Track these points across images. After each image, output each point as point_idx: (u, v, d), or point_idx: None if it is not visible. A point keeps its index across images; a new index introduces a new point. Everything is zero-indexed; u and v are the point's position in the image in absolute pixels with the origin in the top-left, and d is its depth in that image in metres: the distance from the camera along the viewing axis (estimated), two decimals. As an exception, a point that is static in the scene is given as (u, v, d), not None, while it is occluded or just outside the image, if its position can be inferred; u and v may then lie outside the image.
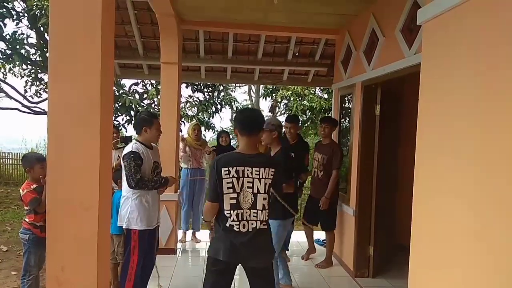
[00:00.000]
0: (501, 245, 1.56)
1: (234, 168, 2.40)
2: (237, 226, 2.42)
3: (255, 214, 2.43)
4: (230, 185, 2.40)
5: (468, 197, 1.79)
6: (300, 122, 11.71)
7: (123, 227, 3.35)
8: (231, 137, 6.45)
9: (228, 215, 2.42)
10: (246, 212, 2.42)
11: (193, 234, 5.82)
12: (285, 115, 12.28)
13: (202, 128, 10.90)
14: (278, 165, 2.56)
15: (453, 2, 1.94)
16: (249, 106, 16.70)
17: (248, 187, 2.41)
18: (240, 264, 2.56)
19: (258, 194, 2.41)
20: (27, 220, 3.32)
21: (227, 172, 2.39)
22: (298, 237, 6.09)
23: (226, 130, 7.05)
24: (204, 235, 5.90)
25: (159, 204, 3.57)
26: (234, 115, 2.99)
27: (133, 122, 8.86)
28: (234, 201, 2.41)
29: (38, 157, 3.46)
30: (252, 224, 2.43)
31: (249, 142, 2.49)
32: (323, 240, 5.77)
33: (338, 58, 5.33)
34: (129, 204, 3.28)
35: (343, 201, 4.83)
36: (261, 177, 2.41)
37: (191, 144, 5.58)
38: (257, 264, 2.52)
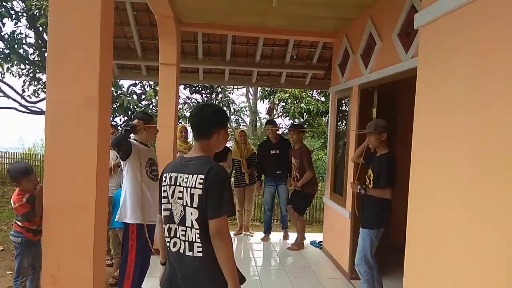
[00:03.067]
0: (496, 246, 1.58)
1: (169, 174, 2.00)
2: (168, 243, 1.99)
3: (183, 232, 1.92)
4: (165, 193, 2.00)
5: (463, 200, 1.81)
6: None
7: (119, 221, 3.41)
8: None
9: (163, 229, 2.04)
10: (177, 228, 1.96)
11: None
12: (283, 118, 12.32)
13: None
14: (213, 172, 1.89)
15: (450, 7, 1.96)
16: (247, 108, 16.72)
17: (178, 198, 1.95)
18: None
19: (186, 207, 1.91)
20: (19, 224, 3.28)
21: (164, 179, 2.03)
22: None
23: None
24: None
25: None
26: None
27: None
28: (167, 213, 2.00)
29: (22, 171, 3.29)
30: (182, 244, 1.93)
31: (198, 146, 2.05)
32: (319, 242, 5.80)
33: (335, 61, 5.36)
34: (124, 198, 3.35)
35: (339, 204, 4.86)
36: (188, 185, 1.91)
37: (178, 148, 5.62)
38: None
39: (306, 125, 11.06)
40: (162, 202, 2.03)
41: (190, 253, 1.90)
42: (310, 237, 6.08)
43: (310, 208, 8.88)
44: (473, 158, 1.75)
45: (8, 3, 9.67)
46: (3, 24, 9.70)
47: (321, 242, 5.74)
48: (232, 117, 16.88)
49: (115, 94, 9.27)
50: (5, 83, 11.62)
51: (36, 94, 11.69)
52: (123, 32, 5.70)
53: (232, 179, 6.01)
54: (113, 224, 4.04)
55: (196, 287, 1.93)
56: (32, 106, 12.01)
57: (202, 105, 2.16)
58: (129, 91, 10.25)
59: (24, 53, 10.32)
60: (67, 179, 1.95)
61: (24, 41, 10.22)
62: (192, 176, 1.91)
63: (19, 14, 9.94)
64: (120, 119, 9.74)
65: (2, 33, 9.84)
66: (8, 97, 11.76)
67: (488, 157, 1.65)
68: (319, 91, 10.93)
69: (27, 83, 11.32)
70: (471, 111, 1.78)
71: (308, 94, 11.19)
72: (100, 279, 2.09)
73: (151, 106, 10.17)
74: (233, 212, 1.94)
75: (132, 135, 3.42)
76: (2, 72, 11.29)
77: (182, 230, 1.93)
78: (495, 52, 1.66)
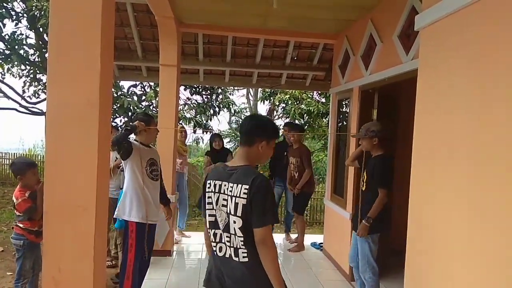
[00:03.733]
0: (496, 246, 1.58)
1: (213, 182, 2.08)
2: (214, 247, 2.08)
3: (228, 239, 2.00)
4: (210, 200, 2.09)
5: (463, 200, 1.81)
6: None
7: (119, 218, 3.44)
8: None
9: (209, 234, 2.13)
10: (222, 234, 2.04)
11: (179, 231, 6.02)
12: (283, 119, 12.33)
13: (199, 131, 10.97)
14: (258, 181, 1.94)
15: (451, 8, 1.97)
16: (247, 109, 16.74)
17: (223, 205, 2.02)
18: None
19: (230, 215, 1.97)
20: (21, 226, 3.26)
21: (209, 185, 2.11)
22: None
23: (219, 133, 7.80)
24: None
25: (158, 202, 3.62)
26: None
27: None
28: (212, 219, 2.08)
29: (28, 163, 3.36)
30: (227, 249, 2.02)
31: (241, 153, 2.12)
32: (319, 244, 5.79)
33: (336, 63, 5.36)
34: (127, 197, 3.36)
35: (340, 205, 4.85)
36: (233, 194, 1.97)
37: (177, 149, 5.65)
38: None
39: (306, 126, 11.08)
40: (207, 208, 2.11)
41: (236, 259, 1.99)
42: (311, 238, 6.08)
43: (310, 210, 8.89)
44: (473, 158, 1.75)
45: (9, 4, 9.68)
46: (4, 25, 9.71)
47: (321, 243, 5.74)
48: (233, 118, 16.93)
49: (116, 95, 9.27)
50: (5, 84, 11.63)
51: (36, 95, 11.71)
52: (124, 33, 5.71)
53: None
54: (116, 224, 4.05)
55: (239, 281, 1.99)
56: (32, 107, 12.02)
57: (254, 114, 2.33)
58: (130, 92, 10.26)
59: (25, 54, 10.34)
60: (67, 180, 1.95)
61: (24, 42, 10.23)
62: (237, 186, 1.97)
63: (20, 15, 9.95)
64: (121, 120, 9.75)
65: (3, 34, 9.85)
66: (9, 98, 11.77)
67: (488, 157, 1.65)
68: (319, 92, 10.95)
69: (28, 84, 11.34)
70: (471, 111, 1.79)
71: (309, 95, 11.20)
72: (100, 280, 2.09)
73: (151, 107, 10.17)
74: (277, 221, 1.98)
75: (133, 136, 3.42)
76: (3, 73, 11.31)
77: (227, 236, 2.01)
78: (495, 53, 1.66)
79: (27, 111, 12.04)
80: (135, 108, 9.43)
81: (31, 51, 10.57)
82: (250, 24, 5.15)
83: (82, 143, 1.96)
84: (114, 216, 3.51)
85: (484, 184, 1.67)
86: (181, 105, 10.85)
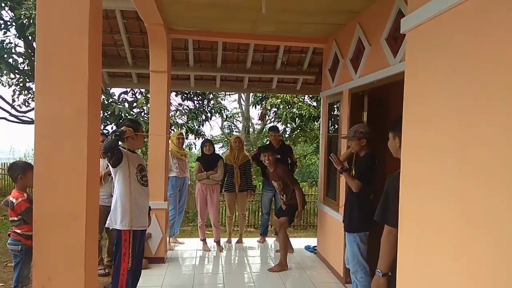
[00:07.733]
0: (487, 246, 1.59)
1: None
2: None
3: None
4: None
5: (454, 200, 1.83)
6: (290, 130, 11.87)
7: (111, 228, 3.40)
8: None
9: None
10: None
11: (174, 237, 6.00)
12: (275, 123, 12.36)
13: (192, 136, 10.95)
14: None
15: (435, 11, 1.99)
16: (239, 114, 16.76)
17: None
18: None
19: None
20: (18, 231, 3.25)
21: None
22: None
23: (209, 138, 7.95)
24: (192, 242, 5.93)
25: (148, 208, 3.62)
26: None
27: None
28: None
29: (30, 163, 3.40)
30: None
31: None
32: (313, 247, 5.80)
33: (325, 67, 5.40)
34: (118, 205, 3.34)
35: (332, 208, 4.87)
36: None
37: (175, 155, 5.67)
38: None
39: (298, 130, 11.11)
40: None
41: None
42: (305, 241, 6.09)
43: (303, 213, 8.90)
44: (462, 158, 1.77)
45: (-3, 12, 9.62)
46: (-8, 34, 9.64)
47: (315, 246, 5.74)
48: (225, 123, 16.92)
49: (106, 103, 9.22)
50: (-6, 93, 11.53)
51: (26, 104, 11.59)
52: (113, 40, 5.69)
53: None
54: None
55: None
56: (22, 116, 11.91)
57: None
58: (120, 99, 10.20)
59: (14, 63, 10.24)
60: (57, 189, 1.94)
61: (13, 51, 10.15)
62: None
63: (8, 23, 9.87)
64: (112, 127, 9.67)
65: (-9, 43, 9.78)
66: (-2, 107, 11.65)
67: (476, 158, 1.67)
68: (310, 96, 10.99)
69: (17, 92, 11.23)
70: (458, 114, 1.80)
71: (300, 99, 11.23)
72: (91, 289, 2.08)
73: (142, 114, 10.13)
74: None
75: (119, 143, 3.40)
76: (-8, 82, 11.20)
77: None
78: (480, 55, 1.68)
79: (17, 120, 11.94)
80: (127, 115, 9.38)
81: (20, 60, 10.48)
82: (240, 30, 5.17)
83: (71, 151, 1.95)
84: (106, 226, 3.48)
85: (473, 184, 1.69)
86: (173, 111, 10.83)
